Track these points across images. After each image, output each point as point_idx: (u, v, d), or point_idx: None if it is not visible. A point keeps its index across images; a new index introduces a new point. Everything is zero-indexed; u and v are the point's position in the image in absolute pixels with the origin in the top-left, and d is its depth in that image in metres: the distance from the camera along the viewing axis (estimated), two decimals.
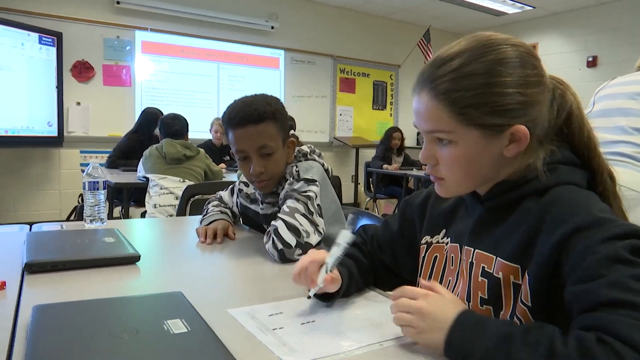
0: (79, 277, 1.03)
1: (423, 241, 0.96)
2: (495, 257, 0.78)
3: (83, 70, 4.90)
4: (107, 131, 4.96)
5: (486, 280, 0.79)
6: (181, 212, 2.41)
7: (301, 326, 0.79)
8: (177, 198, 2.71)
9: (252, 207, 1.54)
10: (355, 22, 6.59)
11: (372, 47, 6.74)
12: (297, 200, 1.29)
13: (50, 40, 4.49)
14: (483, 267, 0.79)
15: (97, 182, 1.49)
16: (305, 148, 1.48)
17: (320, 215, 1.30)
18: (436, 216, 0.94)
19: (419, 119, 0.79)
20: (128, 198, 3.26)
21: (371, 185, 5.73)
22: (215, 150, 4.49)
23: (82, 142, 4.90)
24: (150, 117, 3.95)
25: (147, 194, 2.87)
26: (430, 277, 0.92)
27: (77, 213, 4.03)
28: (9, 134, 4.18)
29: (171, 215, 2.68)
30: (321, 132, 6.60)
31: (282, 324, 0.79)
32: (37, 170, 4.79)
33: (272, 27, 6.00)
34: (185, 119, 3.08)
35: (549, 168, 0.76)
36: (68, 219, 4.27)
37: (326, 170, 1.46)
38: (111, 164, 3.86)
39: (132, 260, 1.12)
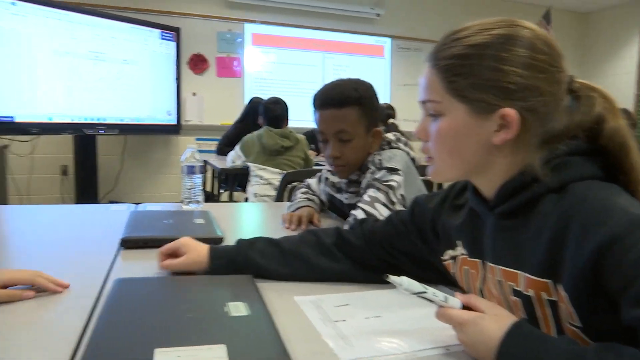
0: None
1: (446, 256, 0.86)
2: (520, 272, 0.68)
3: (198, 63, 5.24)
4: (220, 120, 5.27)
5: (519, 300, 0.69)
6: (279, 198, 2.49)
7: (365, 320, 0.77)
8: (275, 189, 2.80)
9: (338, 196, 1.53)
10: (465, 6, 6.27)
11: None
12: (378, 189, 1.25)
13: (170, 35, 4.85)
14: (511, 286, 0.70)
15: (194, 166, 1.58)
16: (390, 136, 1.43)
17: (404, 206, 1.25)
18: (450, 227, 0.85)
19: (419, 91, 0.76)
20: (234, 183, 3.43)
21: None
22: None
23: (197, 130, 5.26)
24: (255, 106, 4.11)
25: (249, 182, 3.00)
26: (469, 292, 0.82)
27: None
28: (135, 122, 4.61)
29: None
30: None
31: (345, 317, 0.77)
32: (158, 155, 5.24)
33: (378, 15, 5.91)
34: (285, 104, 3.13)
35: (556, 164, 0.66)
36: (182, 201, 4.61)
37: (412, 159, 1.40)
38: (219, 150, 4.09)
39: (215, 241, 1.17)
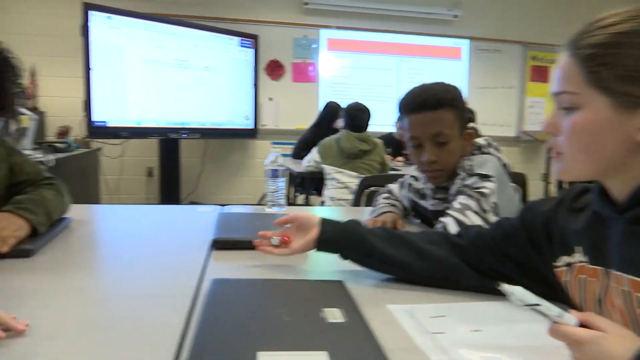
0: (255, 257, 1.12)
1: (560, 262, 0.78)
2: None
3: (275, 69, 5.36)
4: (295, 124, 5.35)
5: None
6: (356, 203, 2.47)
7: (465, 334, 0.73)
8: (351, 193, 2.79)
9: (422, 202, 1.49)
10: (550, 3, 5.95)
11: (570, 30, 5.98)
12: (470, 196, 1.20)
13: (248, 42, 5.00)
14: (639, 297, 0.63)
15: (278, 170, 1.60)
16: (480, 140, 1.37)
17: (497, 214, 1.19)
18: (568, 231, 0.77)
19: (552, 83, 0.70)
20: (309, 187, 3.46)
21: (564, 184, 5.13)
22: (395, 144, 4.51)
23: (273, 134, 5.38)
24: (331, 110, 4.14)
25: (325, 185, 3.01)
26: (581, 305, 0.75)
27: None
28: (215, 126, 4.79)
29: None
30: (506, 126, 6.13)
31: (443, 329, 0.74)
32: (236, 158, 5.41)
33: (455, 16, 5.75)
34: (369, 112, 3.11)
35: None
36: (259, 203, 4.73)
37: (504, 165, 1.33)
38: (295, 154, 4.15)
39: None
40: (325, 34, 5.50)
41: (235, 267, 1.04)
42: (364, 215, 1.65)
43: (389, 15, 5.60)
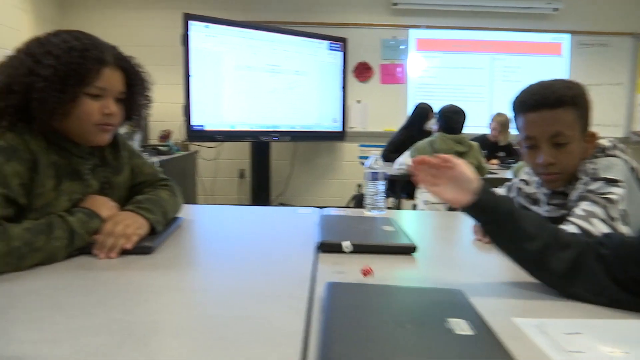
0: (361, 260, 1.10)
1: None
2: None
3: (363, 71, 5.35)
4: (383, 126, 5.31)
5: None
6: (453, 207, 2.39)
7: (609, 355, 0.66)
8: None
9: (534, 208, 1.39)
10: None
11: None
12: (595, 202, 1.10)
13: (337, 45, 5.04)
14: None
15: (378, 173, 1.58)
16: (604, 142, 1.25)
17: (626, 223, 1.08)
18: None
19: None
20: (400, 190, 3.41)
21: None
22: (489, 146, 4.32)
23: (360, 136, 5.37)
24: (422, 112, 4.05)
25: (418, 189, 2.94)
26: None
27: (355, 201, 4.43)
28: (304, 129, 4.87)
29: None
30: (613, 126, 5.64)
31: (582, 348, 0.67)
32: (324, 161, 5.47)
33: (555, 9, 5.39)
34: (465, 114, 3.01)
35: None
36: (347, 206, 4.74)
37: (632, 169, 1.21)
38: (385, 157, 4.09)
39: (408, 250, 1.14)
40: (414, 34, 5.40)
41: (343, 270, 1.03)
42: (462, 221, 1.58)
43: (482, 12, 5.38)
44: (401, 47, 5.39)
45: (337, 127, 5.12)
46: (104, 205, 1.16)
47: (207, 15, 4.30)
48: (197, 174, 5.09)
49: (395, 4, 5.25)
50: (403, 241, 1.17)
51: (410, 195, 3.32)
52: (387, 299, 0.77)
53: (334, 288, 0.81)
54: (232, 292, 0.88)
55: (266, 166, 4.83)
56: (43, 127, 1.09)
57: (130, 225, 1.13)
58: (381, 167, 1.59)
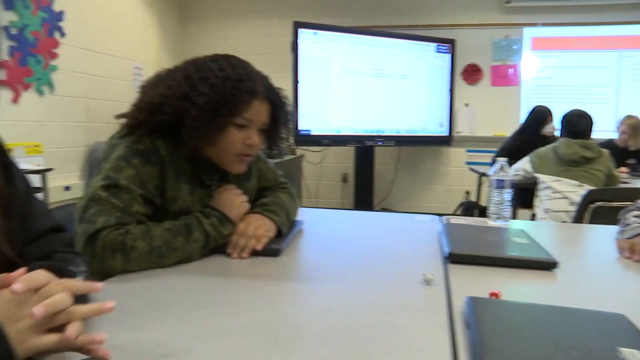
0: (494, 274, 1.03)
1: None
2: None
3: (472, 73, 5.14)
4: (492, 131, 5.05)
5: None
6: (578, 218, 2.19)
7: None
8: (571, 204, 2.48)
9: None
10: None
11: None
12: None
13: (445, 48, 4.89)
14: None
15: (504, 180, 1.48)
16: None
17: None
18: None
19: None
20: (518, 198, 3.21)
21: None
22: (617, 152, 3.92)
23: (468, 141, 5.16)
24: (539, 115, 3.78)
25: (537, 197, 2.74)
26: None
27: (463, 208, 4.26)
28: (409, 134, 4.79)
29: (564, 222, 2.47)
30: None
31: None
32: (429, 166, 5.33)
33: None
34: (591, 118, 2.76)
35: None
36: (454, 213, 4.57)
37: None
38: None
39: (548, 266, 1.05)
40: (529, 33, 5.08)
41: (478, 283, 0.97)
42: (597, 233, 1.43)
43: (607, 5, 4.92)
44: (514, 47, 5.10)
45: (443, 131, 4.96)
46: (234, 203, 1.17)
47: (316, 22, 4.39)
48: (302, 177, 5.21)
49: (508, 2, 4.98)
50: (541, 255, 1.08)
51: (527, 204, 3.11)
52: (540, 319, 0.71)
53: (477, 303, 0.76)
54: (366, 300, 0.87)
55: (370, 171, 4.81)
56: (189, 152, 1.11)
57: (260, 226, 1.16)
58: (507, 174, 1.49)
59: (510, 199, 1.51)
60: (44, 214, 0.83)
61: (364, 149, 4.71)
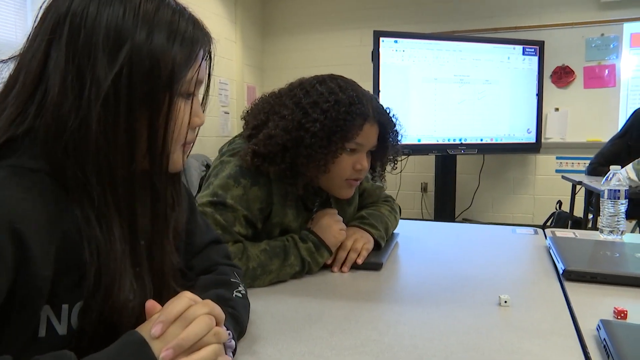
0: (616, 293, 0.94)
1: None
2: None
3: (563, 75, 4.84)
4: (586, 136, 4.72)
5: None
6: None
7: None
8: None
9: None
10: None
11: None
12: None
13: (532, 50, 4.65)
14: None
15: (619, 190, 1.37)
16: None
17: None
18: None
19: None
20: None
21: None
22: None
23: (558, 148, 4.85)
24: None
25: None
26: None
27: (555, 219, 4.01)
28: (494, 141, 4.59)
29: None
30: None
31: None
32: (514, 174, 5.07)
33: None
34: None
35: None
36: (545, 225, 4.31)
37: None
38: (592, 170, 3.63)
39: None
40: (629, 29, 4.71)
41: (601, 303, 0.89)
42: None
43: None
44: (611, 45, 4.75)
45: (530, 138, 4.70)
46: (332, 230, 1.11)
47: (397, 30, 4.35)
48: None
49: None
50: None
51: (633, 215, 2.86)
52: None
53: (614, 328, 0.69)
54: (484, 321, 0.82)
55: (451, 180, 4.66)
56: (306, 180, 1.07)
57: (358, 239, 1.15)
58: (622, 183, 1.37)
59: (625, 210, 1.39)
60: (205, 228, 0.86)
61: (445, 157, 4.57)
